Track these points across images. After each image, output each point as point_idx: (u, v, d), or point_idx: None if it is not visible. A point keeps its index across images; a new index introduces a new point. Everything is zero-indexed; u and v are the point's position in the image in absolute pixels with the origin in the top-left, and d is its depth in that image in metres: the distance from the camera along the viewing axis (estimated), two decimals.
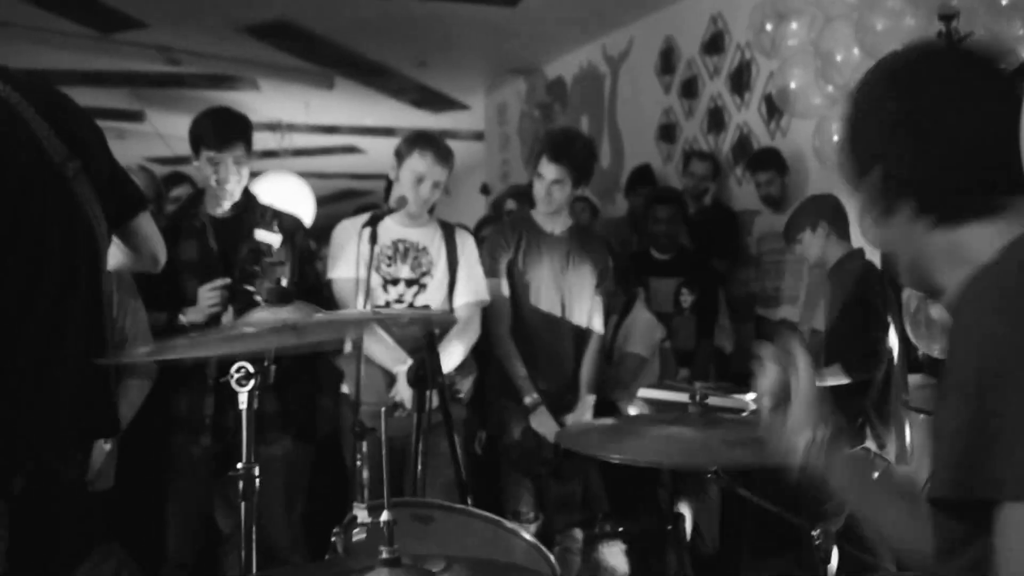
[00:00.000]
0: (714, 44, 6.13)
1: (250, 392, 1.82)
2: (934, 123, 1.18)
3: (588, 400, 3.99)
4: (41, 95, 1.90)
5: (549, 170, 3.84)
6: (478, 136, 9.48)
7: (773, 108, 5.51)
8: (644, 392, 4.02)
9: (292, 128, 9.58)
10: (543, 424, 3.84)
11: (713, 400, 2.76)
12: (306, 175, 8.87)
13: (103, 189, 1.95)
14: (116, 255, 2.14)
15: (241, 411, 1.84)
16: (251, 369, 1.79)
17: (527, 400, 3.85)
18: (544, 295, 3.96)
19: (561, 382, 4.00)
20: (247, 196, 3.53)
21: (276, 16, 6.84)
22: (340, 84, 8.46)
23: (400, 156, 3.60)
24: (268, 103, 8.92)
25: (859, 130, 1.28)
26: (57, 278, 1.82)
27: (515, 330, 3.91)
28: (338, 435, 3.83)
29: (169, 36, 7.33)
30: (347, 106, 9.19)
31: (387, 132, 10.12)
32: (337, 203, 13.49)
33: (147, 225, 2.17)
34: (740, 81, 5.90)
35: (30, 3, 6.44)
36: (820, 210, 3.97)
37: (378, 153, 10.94)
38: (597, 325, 4.07)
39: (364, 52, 7.59)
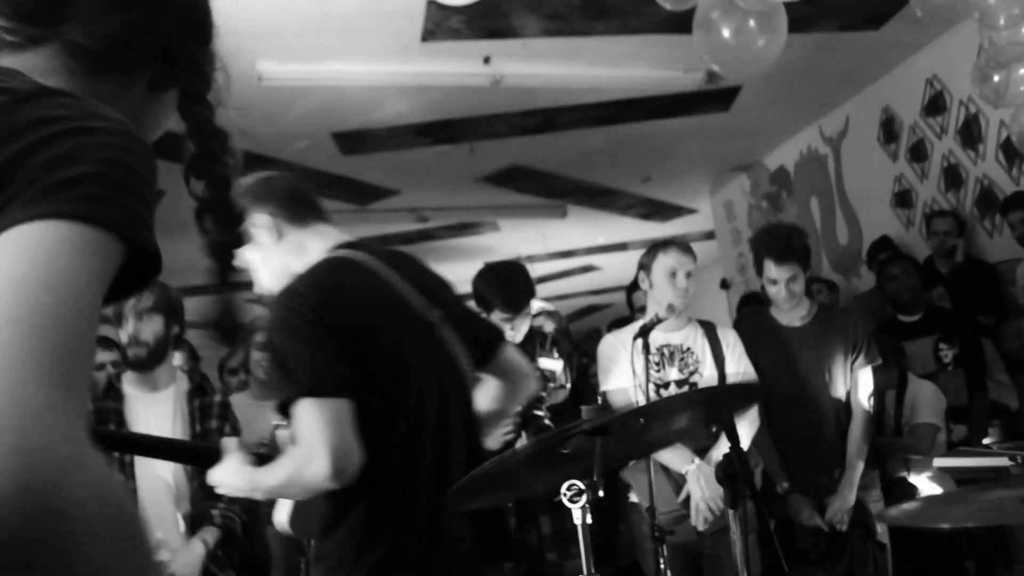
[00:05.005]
0: (935, 105, 5.97)
1: (582, 508, 1.87)
2: None
3: (852, 479, 3.84)
4: (397, 260, 2.13)
5: (781, 272, 3.85)
6: (709, 235, 9.49)
7: (1012, 154, 5.27)
8: (942, 461, 3.82)
9: (532, 259, 9.93)
10: (796, 510, 3.79)
11: None
12: (549, 299, 9.15)
13: (464, 332, 2.13)
14: (494, 392, 2.29)
15: (576, 526, 1.90)
16: (582, 485, 1.86)
17: (778, 489, 3.80)
18: (792, 385, 3.90)
19: (822, 465, 3.90)
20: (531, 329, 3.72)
21: (509, 163, 7.25)
22: (572, 211, 8.74)
23: (646, 266, 3.69)
24: (508, 240, 9.33)
25: None
26: (436, 416, 1.98)
27: (769, 422, 3.87)
28: (614, 540, 3.86)
29: (418, 198, 7.89)
30: (580, 230, 9.45)
31: (620, 247, 10.32)
32: (580, 320, 13.76)
33: (510, 351, 2.31)
34: (971, 135, 5.70)
35: None
36: None
37: (614, 267, 11.13)
38: (862, 400, 3.93)
39: (592, 179, 7.86)
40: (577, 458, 1.87)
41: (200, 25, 1.17)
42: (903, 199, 6.42)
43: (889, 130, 6.45)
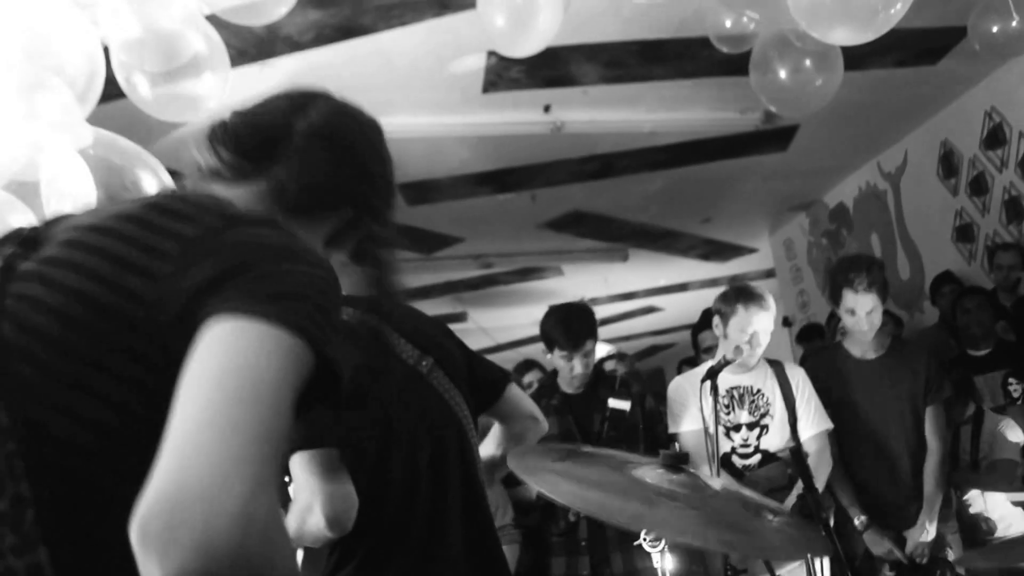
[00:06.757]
0: (994, 137, 5.82)
1: (661, 552, 1.82)
2: None
3: (932, 513, 3.69)
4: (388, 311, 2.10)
5: (861, 302, 3.68)
6: (769, 274, 9.35)
7: None
8: (1014, 496, 3.70)
9: (594, 302, 9.88)
10: (875, 544, 3.65)
11: None
12: (612, 340, 9.07)
13: (460, 378, 2.08)
14: (500, 436, 2.25)
15: (648, 566, 1.85)
16: None
17: (856, 523, 3.67)
18: (866, 418, 3.78)
19: (900, 499, 3.76)
20: (595, 370, 3.67)
21: (570, 209, 7.23)
22: (633, 254, 8.68)
23: (724, 315, 3.52)
24: (571, 284, 9.29)
25: None
26: (430, 462, 1.93)
27: (844, 456, 3.74)
28: None
29: (482, 244, 7.90)
30: (641, 272, 9.38)
31: (681, 288, 10.23)
32: (643, 360, 13.63)
33: (516, 394, 2.24)
34: None
35: None
36: None
37: (674, 308, 11.04)
38: (936, 435, 3.78)
39: (652, 222, 7.80)
40: None
41: (389, 190, 1.33)
42: (964, 233, 6.25)
43: (948, 164, 6.30)
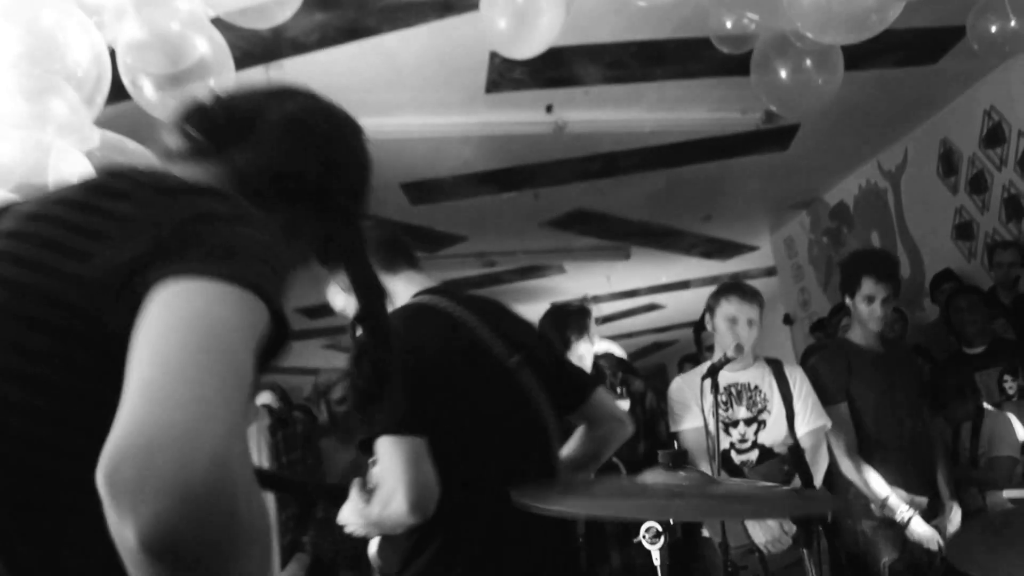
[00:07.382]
0: (994, 136, 5.81)
1: (660, 549, 1.83)
2: None
3: (955, 506, 3.72)
4: (479, 305, 2.12)
5: (880, 289, 3.73)
6: (770, 272, 9.34)
7: None
8: (1012, 493, 3.69)
9: (597, 299, 9.88)
10: (923, 534, 3.60)
11: None
12: (614, 338, 9.04)
13: (548, 378, 2.09)
14: (584, 437, 2.24)
15: (655, 567, 1.85)
16: (659, 528, 1.82)
17: (899, 517, 3.61)
18: (882, 411, 3.78)
19: (921, 491, 3.76)
20: (595, 370, 3.67)
21: (572, 208, 7.22)
22: (635, 252, 8.66)
23: (711, 309, 3.62)
24: (574, 282, 9.29)
25: None
26: (512, 458, 1.95)
27: (864, 450, 3.74)
28: None
29: (485, 243, 7.90)
30: (643, 270, 9.36)
31: (683, 285, 10.22)
32: (645, 357, 13.63)
33: (600, 396, 2.27)
34: None
35: None
36: None
37: (676, 305, 11.03)
38: (934, 430, 3.84)
39: (654, 220, 7.79)
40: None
41: (360, 191, 1.26)
42: (964, 231, 6.24)
43: (948, 162, 6.29)
